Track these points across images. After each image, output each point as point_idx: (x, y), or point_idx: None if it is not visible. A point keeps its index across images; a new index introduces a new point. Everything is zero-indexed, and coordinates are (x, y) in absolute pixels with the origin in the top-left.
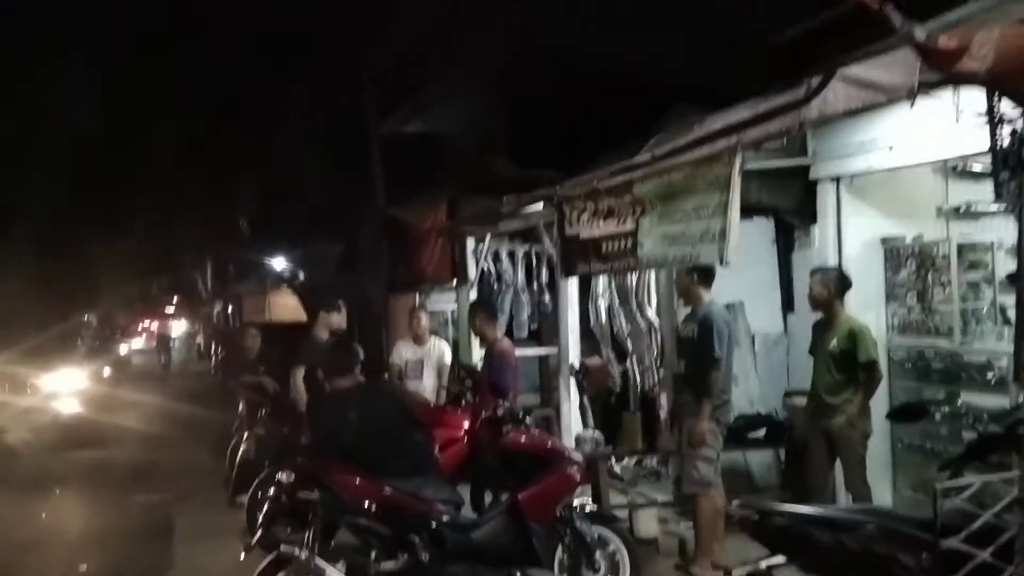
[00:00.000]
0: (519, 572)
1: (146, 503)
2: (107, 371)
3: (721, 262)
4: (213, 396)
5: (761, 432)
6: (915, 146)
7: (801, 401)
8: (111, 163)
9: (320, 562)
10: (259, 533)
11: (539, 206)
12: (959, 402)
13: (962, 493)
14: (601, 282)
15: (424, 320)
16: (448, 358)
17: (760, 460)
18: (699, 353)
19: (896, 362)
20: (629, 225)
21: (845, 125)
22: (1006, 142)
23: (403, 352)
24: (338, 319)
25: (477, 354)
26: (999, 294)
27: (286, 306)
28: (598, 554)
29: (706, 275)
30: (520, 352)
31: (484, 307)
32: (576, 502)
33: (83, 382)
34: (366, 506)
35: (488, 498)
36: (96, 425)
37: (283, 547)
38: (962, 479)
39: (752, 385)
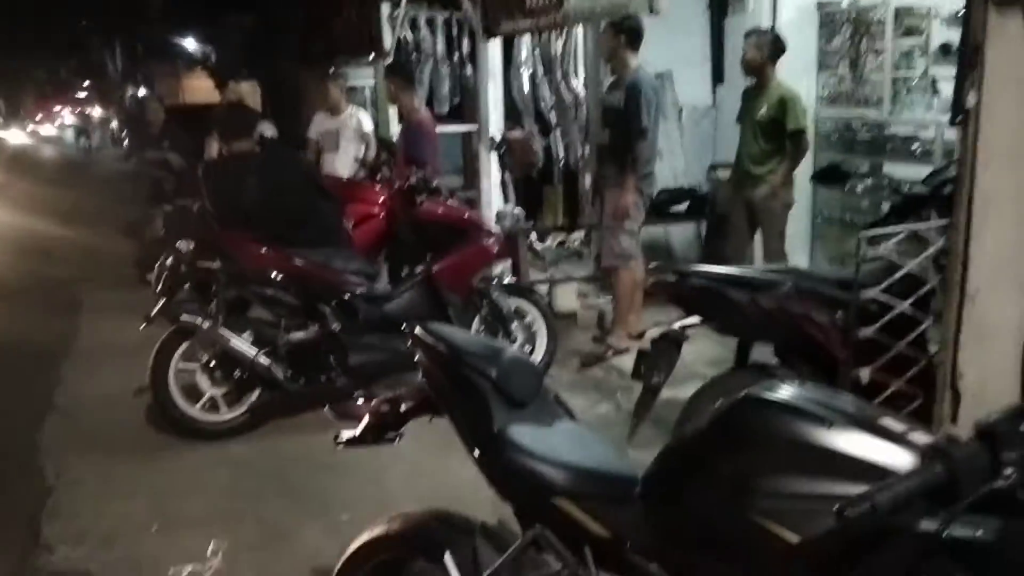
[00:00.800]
0: (418, 324)
1: (53, 282)
2: None
3: (651, 11)
4: (126, 180)
5: (683, 206)
6: None
7: (725, 174)
8: None
9: (224, 332)
10: (160, 304)
11: None
12: (882, 173)
13: (886, 244)
14: (525, 50)
15: (335, 90)
16: (368, 127)
17: (681, 234)
18: (625, 122)
19: (822, 134)
20: None
21: None
22: None
23: (319, 124)
24: (249, 90)
25: (397, 131)
26: (932, 64)
27: (201, 88)
28: (515, 325)
29: (634, 37)
30: (441, 129)
31: (400, 71)
32: (495, 275)
33: None
34: (272, 276)
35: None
36: None
37: (184, 317)
38: (886, 228)
39: (677, 158)
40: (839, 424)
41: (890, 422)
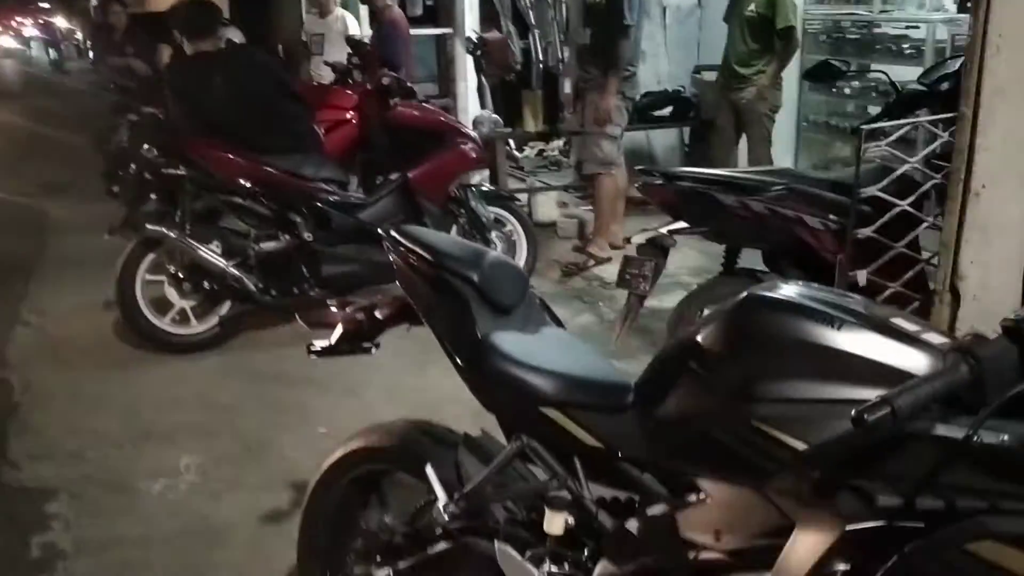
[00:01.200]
0: (392, 227)
1: (17, 197)
2: None
3: None
4: (94, 91)
5: (667, 110)
6: None
7: (711, 77)
8: None
9: (192, 242)
10: (124, 214)
11: None
12: (871, 74)
13: (880, 145)
14: None
15: None
16: (353, 29)
17: (664, 140)
18: (607, 20)
19: (811, 34)
20: None
21: None
22: None
23: (309, 26)
24: None
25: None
26: None
27: None
28: (494, 234)
29: None
30: (414, 32)
31: None
32: (473, 183)
33: None
34: (240, 184)
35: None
36: None
37: (149, 227)
38: (887, 123)
39: (661, 61)
40: (849, 324)
41: (902, 322)
